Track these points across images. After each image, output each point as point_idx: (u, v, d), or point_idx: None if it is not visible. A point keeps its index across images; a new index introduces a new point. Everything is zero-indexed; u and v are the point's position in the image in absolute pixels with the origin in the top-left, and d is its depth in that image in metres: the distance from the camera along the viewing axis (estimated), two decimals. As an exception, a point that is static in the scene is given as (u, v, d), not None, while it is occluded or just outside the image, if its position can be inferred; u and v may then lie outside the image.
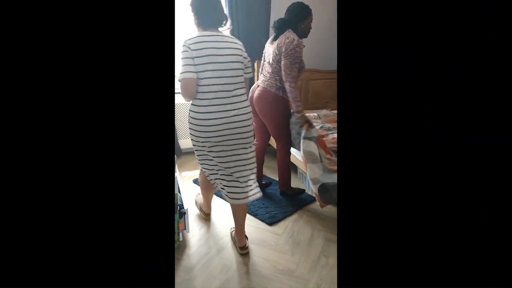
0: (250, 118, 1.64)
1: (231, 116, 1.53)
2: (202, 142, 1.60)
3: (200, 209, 2.29)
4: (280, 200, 2.52)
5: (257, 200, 2.52)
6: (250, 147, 1.69)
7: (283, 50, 2.10)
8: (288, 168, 2.50)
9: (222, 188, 1.77)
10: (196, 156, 1.77)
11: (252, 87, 2.42)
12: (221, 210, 2.41)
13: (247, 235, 2.01)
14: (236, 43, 1.59)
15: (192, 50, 1.47)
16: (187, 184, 2.87)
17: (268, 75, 2.27)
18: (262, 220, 2.26)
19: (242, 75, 1.61)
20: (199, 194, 2.32)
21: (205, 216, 2.27)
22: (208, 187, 2.01)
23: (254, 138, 2.41)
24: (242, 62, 1.60)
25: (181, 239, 2.00)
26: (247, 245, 1.89)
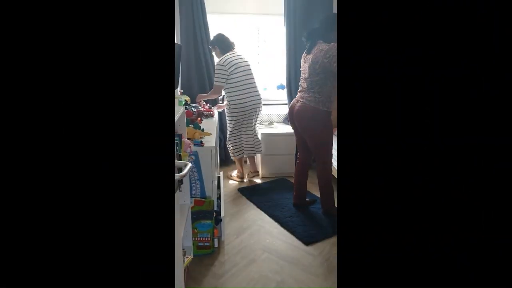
0: (261, 100, 3.05)
1: (255, 98, 2.98)
2: (237, 117, 2.98)
3: (237, 176, 3.23)
4: (321, 220, 2.41)
5: (297, 217, 2.46)
6: (257, 120, 3.09)
7: (323, 61, 2.11)
8: (328, 187, 2.40)
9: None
10: (233, 132, 3.07)
11: (292, 102, 2.44)
12: (259, 224, 2.40)
13: (281, 252, 2.00)
14: (244, 56, 3.02)
15: (225, 65, 2.87)
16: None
17: (305, 90, 2.28)
18: (299, 239, 2.19)
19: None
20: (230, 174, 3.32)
21: (240, 179, 3.21)
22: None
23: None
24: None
25: (215, 245, 2.05)
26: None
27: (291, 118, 2.42)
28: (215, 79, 2.92)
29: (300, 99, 2.32)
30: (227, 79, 2.89)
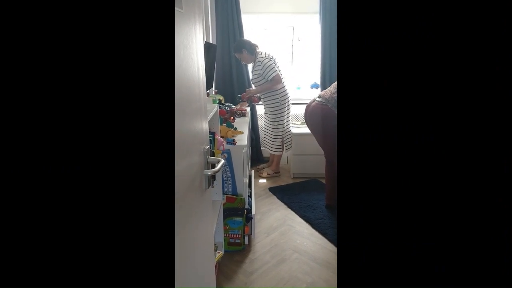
0: None
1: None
2: (283, 109, 3.13)
3: (273, 173, 3.29)
4: (355, 223, 2.34)
5: (329, 219, 2.41)
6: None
7: None
8: (331, 181, 2.50)
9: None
10: (278, 127, 3.18)
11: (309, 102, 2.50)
12: (289, 224, 2.38)
13: (312, 254, 1.97)
14: None
15: (270, 58, 3.03)
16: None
17: (324, 90, 2.48)
18: (331, 241, 2.14)
19: None
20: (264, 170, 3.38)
21: (276, 173, 3.30)
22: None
23: None
24: None
25: (246, 242, 2.07)
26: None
27: (305, 117, 2.51)
28: (270, 72, 2.98)
29: (316, 99, 2.40)
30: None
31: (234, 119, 2.69)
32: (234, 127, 2.31)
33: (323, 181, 2.98)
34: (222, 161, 1.02)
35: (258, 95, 3.20)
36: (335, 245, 2.09)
